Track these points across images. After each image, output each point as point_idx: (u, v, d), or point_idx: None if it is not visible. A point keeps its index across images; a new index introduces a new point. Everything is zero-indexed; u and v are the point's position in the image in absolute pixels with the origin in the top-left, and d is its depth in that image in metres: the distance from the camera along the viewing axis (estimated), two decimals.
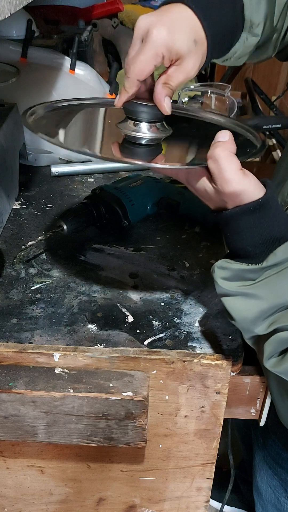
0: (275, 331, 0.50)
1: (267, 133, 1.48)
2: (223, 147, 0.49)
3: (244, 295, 0.51)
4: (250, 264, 0.50)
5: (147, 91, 0.56)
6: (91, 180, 1.01)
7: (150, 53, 0.51)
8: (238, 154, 0.50)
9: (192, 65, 0.54)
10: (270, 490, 0.86)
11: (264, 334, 0.51)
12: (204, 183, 0.52)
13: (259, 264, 0.50)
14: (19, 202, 0.92)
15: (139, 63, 0.52)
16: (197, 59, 0.54)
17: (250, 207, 0.50)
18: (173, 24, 0.52)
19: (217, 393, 0.63)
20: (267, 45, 0.66)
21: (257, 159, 1.31)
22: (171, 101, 0.54)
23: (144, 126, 0.57)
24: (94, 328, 0.65)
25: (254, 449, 0.90)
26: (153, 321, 0.66)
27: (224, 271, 0.52)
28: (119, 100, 0.56)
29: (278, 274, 0.50)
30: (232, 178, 0.49)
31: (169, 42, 0.51)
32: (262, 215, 0.50)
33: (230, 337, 0.64)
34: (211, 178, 0.51)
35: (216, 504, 1.32)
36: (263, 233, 0.50)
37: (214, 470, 0.72)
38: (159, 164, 0.55)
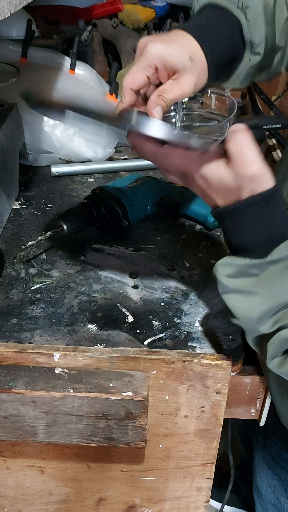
0: (278, 330, 0.50)
1: (267, 133, 1.48)
2: (243, 133, 0.50)
3: (248, 292, 0.51)
4: (254, 259, 0.50)
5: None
6: (91, 180, 1.01)
7: (142, 64, 0.53)
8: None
9: (188, 82, 0.54)
10: (270, 490, 0.86)
11: (268, 332, 0.51)
12: (220, 168, 0.51)
13: (264, 258, 0.50)
14: (19, 202, 0.92)
15: (131, 73, 0.54)
16: (193, 76, 0.55)
17: (263, 197, 0.49)
18: (169, 40, 0.54)
19: (217, 393, 0.63)
20: (273, 62, 0.66)
21: None
22: (162, 112, 0.54)
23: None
24: (94, 328, 0.65)
25: (254, 449, 0.90)
26: (153, 321, 0.66)
27: (227, 268, 0.52)
28: (117, 109, 0.57)
29: (281, 270, 0.49)
30: (254, 160, 0.49)
31: (162, 54, 0.53)
32: (270, 208, 0.50)
33: (230, 337, 0.64)
34: (228, 163, 0.50)
35: (216, 504, 1.32)
36: (269, 227, 0.50)
37: (214, 470, 0.72)
38: (179, 136, 0.54)
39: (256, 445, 0.88)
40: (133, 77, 0.54)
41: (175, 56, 0.53)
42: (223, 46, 0.58)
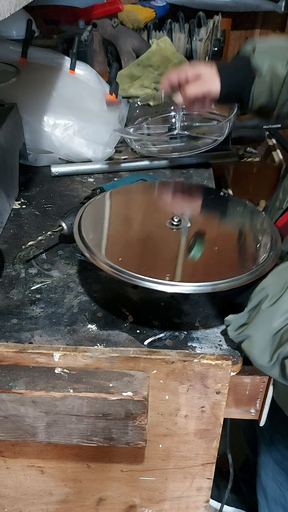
0: (283, 359, 0.55)
1: (267, 133, 1.48)
2: None
3: (245, 338, 0.58)
4: (237, 314, 0.60)
5: None
6: (91, 180, 1.01)
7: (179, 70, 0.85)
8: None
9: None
10: (276, 487, 0.86)
11: (271, 364, 0.56)
12: None
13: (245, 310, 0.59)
14: (19, 202, 0.92)
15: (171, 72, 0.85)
16: (212, 85, 0.83)
17: None
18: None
19: (217, 393, 0.63)
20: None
21: (257, 159, 1.31)
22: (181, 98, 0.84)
23: None
24: (94, 328, 0.65)
25: (259, 446, 0.90)
26: (153, 321, 0.66)
27: (229, 324, 0.61)
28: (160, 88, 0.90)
29: (258, 313, 0.57)
30: None
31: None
32: None
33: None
34: None
35: (216, 504, 1.32)
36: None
37: (214, 470, 0.72)
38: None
39: (262, 441, 0.89)
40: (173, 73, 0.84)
41: (206, 71, 0.84)
42: (235, 73, 0.84)
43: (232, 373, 0.62)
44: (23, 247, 0.76)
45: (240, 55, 0.85)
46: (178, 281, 0.59)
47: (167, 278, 0.59)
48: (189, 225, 0.71)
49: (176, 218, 0.69)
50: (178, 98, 0.84)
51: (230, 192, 1.05)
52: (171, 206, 0.75)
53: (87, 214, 0.71)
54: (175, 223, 0.69)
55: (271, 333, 0.56)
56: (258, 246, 0.67)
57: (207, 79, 0.82)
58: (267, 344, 0.56)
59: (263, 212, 0.74)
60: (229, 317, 0.61)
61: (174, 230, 0.69)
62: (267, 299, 0.57)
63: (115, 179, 1.00)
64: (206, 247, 0.68)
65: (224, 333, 0.64)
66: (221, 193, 0.80)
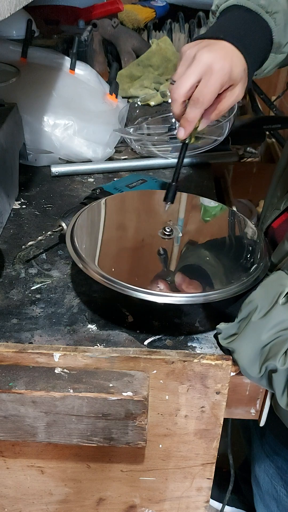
0: (270, 372, 0.56)
1: (267, 133, 1.48)
2: None
3: (235, 348, 0.59)
4: (228, 323, 0.61)
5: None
6: (91, 180, 1.01)
7: (195, 72, 0.59)
8: None
9: (241, 90, 0.63)
10: (268, 479, 0.86)
11: (260, 376, 0.57)
12: None
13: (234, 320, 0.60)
14: (19, 202, 0.92)
15: (184, 80, 0.60)
16: (244, 84, 0.63)
17: None
18: (224, 54, 0.60)
19: (217, 393, 0.63)
20: None
21: (257, 159, 1.31)
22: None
23: None
24: (94, 328, 0.65)
25: (252, 440, 0.91)
26: (153, 321, 0.66)
27: (219, 333, 0.61)
28: (186, 133, 0.65)
29: (247, 325, 0.58)
30: None
31: (229, 70, 0.59)
32: None
33: None
34: None
35: (217, 504, 1.32)
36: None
37: (214, 470, 0.72)
38: None
39: (255, 435, 0.89)
40: (186, 83, 0.60)
41: (236, 71, 0.60)
42: (259, 54, 0.65)
43: (232, 373, 0.62)
44: (23, 247, 0.76)
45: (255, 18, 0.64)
46: (170, 292, 0.61)
47: (158, 289, 0.61)
48: (180, 235, 0.72)
49: (168, 228, 0.70)
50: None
51: (230, 192, 1.05)
52: (165, 216, 0.75)
53: (80, 222, 0.72)
54: (167, 233, 0.70)
55: (259, 346, 0.56)
56: (248, 256, 0.68)
57: (241, 84, 0.63)
58: (256, 356, 0.57)
59: (253, 223, 0.75)
60: (220, 326, 0.61)
61: (166, 239, 0.70)
62: (256, 311, 0.57)
63: (115, 179, 1.00)
64: (197, 257, 0.70)
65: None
66: (212, 203, 0.81)
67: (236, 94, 0.62)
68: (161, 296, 0.60)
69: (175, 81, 0.62)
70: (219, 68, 0.58)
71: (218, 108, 0.63)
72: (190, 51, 0.60)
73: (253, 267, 0.65)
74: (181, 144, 0.69)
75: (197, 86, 0.60)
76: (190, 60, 0.60)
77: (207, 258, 0.69)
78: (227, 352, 0.61)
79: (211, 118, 0.64)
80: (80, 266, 0.64)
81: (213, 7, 0.69)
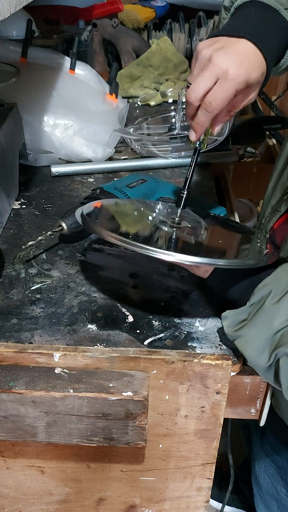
0: (278, 362, 0.54)
1: (267, 133, 1.48)
2: None
3: (243, 335, 0.57)
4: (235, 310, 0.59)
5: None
6: (91, 180, 1.01)
7: (210, 73, 0.57)
8: None
9: (255, 93, 0.61)
10: (268, 479, 0.86)
11: (268, 365, 0.55)
12: None
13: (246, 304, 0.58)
14: (19, 202, 0.92)
15: (198, 82, 0.58)
16: (259, 86, 0.61)
17: None
18: (244, 56, 0.57)
19: (217, 393, 0.63)
20: None
21: (257, 159, 1.31)
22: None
23: None
24: (94, 328, 0.65)
25: (252, 439, 0.91)
26: (153, 321, 0.66)
27: (226, 320, 0.59)
28: (196, 136, 0.62)
29: (260, 310, 0.56)
30: None
31: (245, 76, 0.57)
32: None
33: None
34: None
35: (217, 504, 1.32)
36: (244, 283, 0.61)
37: (214, 470, 0.72)
38: None
39: (255, 434, 0.89)
40: (202, 88, 0.58)
41: (254, 77, 0.58)
42: (276, 54, 0.62)
43: (232, 373, 0.62)
44: (23, 247, 0.76)
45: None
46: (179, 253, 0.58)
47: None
48: (189, 225, 0.71)
49: (178, 219, 0.70)
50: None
51: (230, 192, 1.05)
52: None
53: (89, 207, 0.72)
54: (176, 222, 0.70)
55: (271, 332, 0.55)
56: (257, 245, 0.69)
57: (257, 87, 0.61)
58: (267, 342, 0.55)
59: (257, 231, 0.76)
60: (227, 312, 0.59)
61: (175, 227, 0.70)
62: (270, 295, 0.56)
63: (115, 179, 1.00)
64: (209, 239, 0.71)
65: (224, 333, 0.64)
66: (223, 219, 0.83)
67: (249, 98, 0.61)
68: (170, 256, 0.56)
69: (190, 84, 0.60)
70: (234, 76, 0.56)
71: (230, 111, 0.62)
72: (205, 51, 0.57)
73: (264, 252, 0.65)
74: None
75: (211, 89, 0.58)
76: (206, 62, 0.57)
77: (220, 241, 0.70)
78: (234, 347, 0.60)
79: (223, 121, 0.63)
80: (94, 228, 0.62)
81: (226, 3, 0.66)
